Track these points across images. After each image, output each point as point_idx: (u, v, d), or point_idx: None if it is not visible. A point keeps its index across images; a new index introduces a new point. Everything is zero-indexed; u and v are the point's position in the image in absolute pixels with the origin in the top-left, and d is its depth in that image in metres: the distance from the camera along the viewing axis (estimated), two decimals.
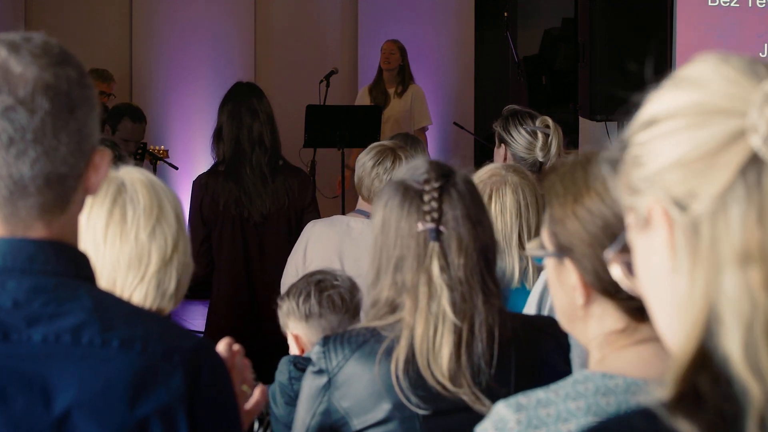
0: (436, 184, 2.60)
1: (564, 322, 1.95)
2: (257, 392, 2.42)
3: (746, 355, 1.11)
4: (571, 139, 11.84)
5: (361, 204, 4.89)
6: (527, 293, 3.60)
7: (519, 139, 4.61)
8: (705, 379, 1.13)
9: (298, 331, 3.40)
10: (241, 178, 5.69)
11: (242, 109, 5.76)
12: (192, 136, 10.50)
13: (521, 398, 1.89)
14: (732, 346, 1.12)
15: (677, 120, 1.19)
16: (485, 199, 3.57)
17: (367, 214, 4.84)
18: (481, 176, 3.63)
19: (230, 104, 5.82)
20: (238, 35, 11.11)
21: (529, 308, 3.39)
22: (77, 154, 1.68)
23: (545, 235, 1.95)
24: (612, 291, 1.85)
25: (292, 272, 4.84)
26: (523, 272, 3.63)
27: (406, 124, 9.77)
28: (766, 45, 8.04)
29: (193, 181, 5.88)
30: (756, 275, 1.11)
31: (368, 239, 4.77)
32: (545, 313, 3.36)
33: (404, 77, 10.01)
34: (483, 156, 9.69)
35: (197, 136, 10.19)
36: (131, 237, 2.31)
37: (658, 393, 1.16)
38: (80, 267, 1.72)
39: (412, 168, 2.68)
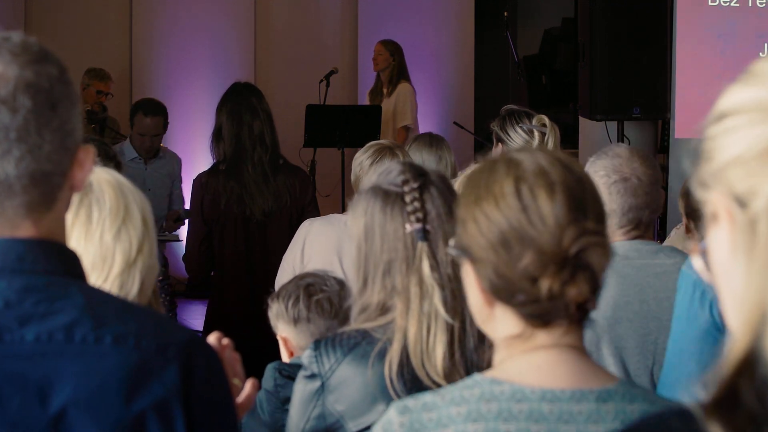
0: (415, 185, 2.61)
1: (477, 321, 1.94)
2: (248, 386, 2.42)
3: None
4: (571, 139, 11.84)
5: None
6: None
7: (516, 138, 4.63)
8: (747, 383, 1.12)
9: (287, 334, 3.39)
10: (243, 176, 5.69)
11: (242, 108, 5.76)
12: (192, 136, 10.49)
13: (410, 401, 1.89)
14: None
15: (741, 116, 1.18)
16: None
17: None
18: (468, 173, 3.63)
19: (229, 103, 5.82)
20: (238, 35, 11.11)
21: None
22: (61, 151, 1.68)
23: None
24: (506, 297, 1.84)
25: (288, 271, 4.84)
26: None
27: (388, 123, 9.76)
28: (766, 45, 8.04)
29: (194, 181, 5.88)
30: None
31: None
32: None
33: (393, 76, 10.02)
34: (482, 155, 9.69)
35: (197, 136, 10.19)
36: (96, 237, 2.30)
37: (702, 394, 1.14)
38: (70, 265, 1.72)
39: (385, 172, 2.68)
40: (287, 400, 3.21)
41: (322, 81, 10.16)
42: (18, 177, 1.65)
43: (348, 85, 11.37)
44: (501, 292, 1.84)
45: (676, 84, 8.02)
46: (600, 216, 1.85)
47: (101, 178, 2.35)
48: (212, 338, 2.29)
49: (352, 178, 4.73)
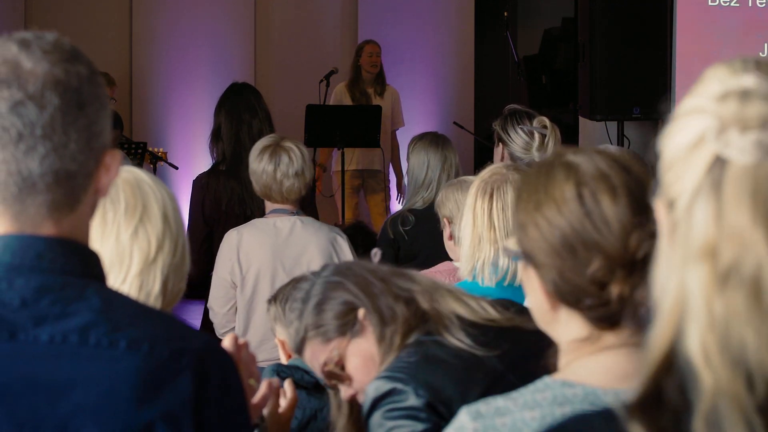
0: None
1: (539, 323, 1.93)
2: (264, 386, 2.41)
3: (702, 350, 1.12)
4: (571, 139, 11.84)
5: (272, 204, 4.91)
6: None
7: (516, 138, 4.65)
8: (670, 381, 1.14)
9: (284, 336, 3.39)
10: (243, 176, 5.68)
11: (241, 107, 5.77)
12: (192, 136, 10.50)
13: (482, 406, 1.87)
14: (691, 341, 1.13)
15: (674, 122, 1.22)
16: (486, 197, 3.57)
17: (286, 212, 4.88)
18: (483, 176, 3.64)
19: (228, 103, 5.82)
20: (237, 36, 11.10)
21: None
22: (86, 151, 1.66)
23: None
24: (572, 301, 1.83)
25: (224, 284, 4.87)
26: None
27: (386, 124, 9.76)
28: (766, 45, 8.04)
29: (193, 181, 5.87)
30: (708, 271, 1.14)
31: (299, 236, 4.82)
32: None
33: (380, 78, 10.03)
34: (483, 156, 9.70)
35: (197, 136, 10.19)
36: (112, 238, 2.28)
37: (626, 395, 1.16)
38: (89, 266, 1.70)
39: None
40: None
41: (322, 81, 10.16)
42: (42, 175, 1.64)
43: (347, 81, 11.37)
44: (567, 296, 1.83)
45: (676, 84, 8.02)
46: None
47: (119, 177, 2.30)
48: (228, 339, 2.27)
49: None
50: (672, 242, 1.19)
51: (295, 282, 3.46)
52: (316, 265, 4.75)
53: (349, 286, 2.58)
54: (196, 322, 8.69)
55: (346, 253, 4.89)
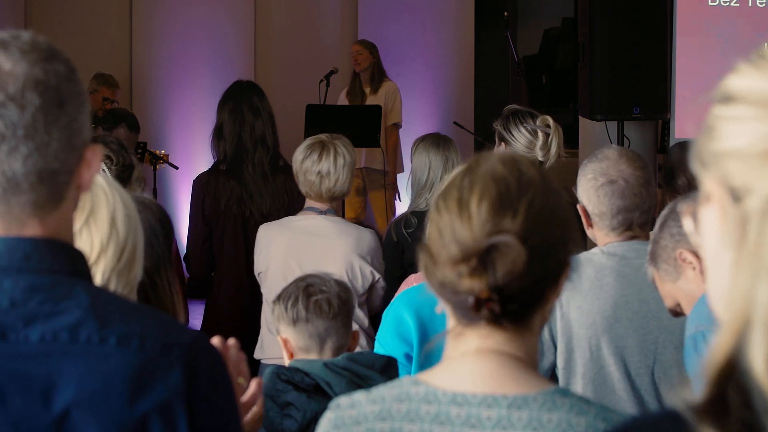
0: None
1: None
2: (253, 385, 2.42)
3: (766, 366, 1.07)
4: (571, 139, 11.82)
5: (308, 202, 4.94)
6: None
7: (519, 137, 4.63)
8: (733, 390, 1.09)
9: (287, 334, 3.40)
10: (243, 176, 5.69)
11: (244, 107, 5.76)
12: (192, 136, 10.50)
13: (344, 398, 1.93)
14: (755, 357, 1.08)
15: (748, 107, 1.14)
16: None
17: (317, 211, 4.91)
18: None
19: (231, 102, 5.81)
20: (238, 35, 11.11)
21: None
22: (68, 149, 1.68)
23: None
24: (437, 289, 1.88)
25: (271, 278, 4.91)
26: None
27: (382, 121, 9.78)
28: (766, 45, 8.04)
29: (194, 180, 5.88)
30: None
31: (322, 235, 4.85)
32: (557, 311, 3.37)
33: (375, 74, 10.06)
34: None
35: (197, 136, 10.19)
36: None
37: (690, 395, 1.12)
38: (76, 264, 1.72)
39: None
40: (286, 405, 3.21)
41: (322, 81, 10.17)
42: (25, 174, 1.65)
43: (348, 85, 11.37)
44: (436, 283, 1.87)
45: (676, 84, 8.02)
46: (534, 219, 1.84)
47: None
48: (217, 338, 2.28)
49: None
50: (738, 239, 1.12)
51: (299, 281, 3.47)
52: (333, 265, 4.77)
53: None
54: (196, 322, 8.71)
55: (371, 252, 4.91)
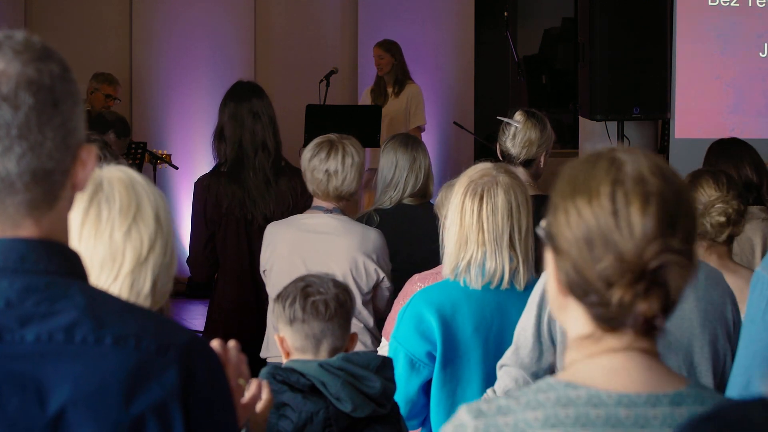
0: None
1: (552, 308, 1.93)
2: (253, 386, 2.42)
3: None
4: (571, 139, 11.82)
5: (315, 201, 4.96)
6: (517, 294, 3.60)
7: (501, 129, 4.94)
8: None
9: (284, 333, 3.41)
10: (245, 182, 5.67)
11: (244, 111, 5.73)
12: (192, 136, 10.50)
13: (483, 404, 1.87)
14: None
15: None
16: (476, 198, 3.58)
17: (323, 209, 4.92)
18: (471, 175, 3.64)
19: (232, 105, 5.78)
20: (237, 36, 11.11)
21: (530, 309, 3.38)
22: (63, 148, 1.67)
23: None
24: (579, 294, 1.83)
25: (276, 275, 4.92)
26: (513, 273, 3.62)
27: (400, 123, 9.79)
28: (766, 45, 8.04)
29: (195, 183, 5.86)
30: None
31: (326, 233, 4.87)
32: (545, 316, 3.35)
33: (398, 76, 10.05)
34: (483, 155, 9.70)
35: (197, 136, 10.19)
36: (105, 236, 2.29)
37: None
38: (71, 265, 1.71)
39: None
40: (281, 406, 3.21)
41: (322, 81, 10.17)
42: (19, 174, 1.65)
43: (348, 85, 11.37)
44: (576, 288, 1.84)
45: (676, 84, 8.02)
46: (689, 235, 1.83)
47: (113, 176, 2.34)
48: (216, 341, 2.28)
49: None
50: None
51: (298, 281, 3.47)
52: (337, 263, 4.78)
53: None
54: (196, 322, 8.73)
55: (376, 250, 4.91)
